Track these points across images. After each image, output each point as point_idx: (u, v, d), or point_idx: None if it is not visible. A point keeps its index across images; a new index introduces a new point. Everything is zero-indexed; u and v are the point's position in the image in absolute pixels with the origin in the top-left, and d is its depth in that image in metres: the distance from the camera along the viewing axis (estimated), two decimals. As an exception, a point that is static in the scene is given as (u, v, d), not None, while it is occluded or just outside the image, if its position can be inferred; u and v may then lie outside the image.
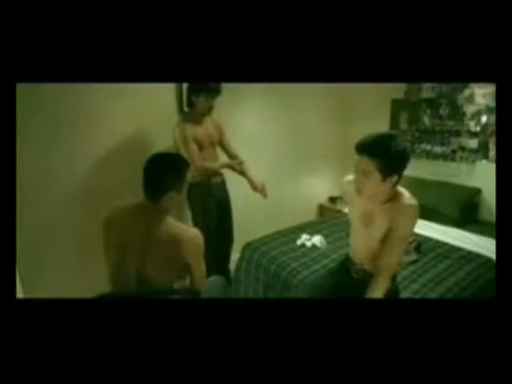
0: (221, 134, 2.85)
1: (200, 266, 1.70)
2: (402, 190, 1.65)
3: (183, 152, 2.54)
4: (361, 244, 1.79)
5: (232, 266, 3.02)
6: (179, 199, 1.65)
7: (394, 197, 1.62)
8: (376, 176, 1.52)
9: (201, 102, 2.59)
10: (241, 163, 2.81)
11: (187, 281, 1.88)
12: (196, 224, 2.80)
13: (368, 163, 1.52)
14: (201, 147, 2.65)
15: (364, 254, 1.78)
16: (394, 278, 1.76)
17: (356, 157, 1.58)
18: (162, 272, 1.60)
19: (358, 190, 1.63)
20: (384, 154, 1.50)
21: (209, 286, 1.88)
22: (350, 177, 1.76)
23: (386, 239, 1.64)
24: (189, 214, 2.84)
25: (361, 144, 1.55)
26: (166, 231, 1.58)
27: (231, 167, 2.83)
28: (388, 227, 1.63)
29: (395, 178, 1.55)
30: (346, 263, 1.91)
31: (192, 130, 2.59)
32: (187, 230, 1.64)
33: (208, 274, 1.90)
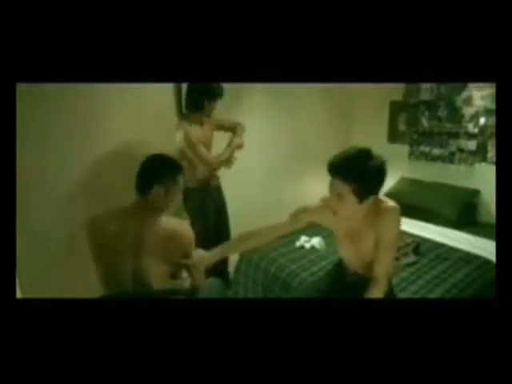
0: (214, 125, 2.77)
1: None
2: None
3: (191, 156, 2.52)
4: (351, 256, 1.76)
5: (231, 268, 3.02)
6: (168, 200, 1.66)
7: (373, 206, 1.54)
8: (352, 199, 1.44)
9: (208, 104, 2.58)
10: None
11: (186, 282, 1.89)
12: (194, 229, 2.76)
13: (342, 187, 1.42)
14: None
15: (355, 263, 1.75)
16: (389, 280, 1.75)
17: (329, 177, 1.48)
18: (158, 270, 1.63)
19: (334, 212, 1.53)
20: (359, 177, 1.40)
21: (206, 287, 1.88)
22: (315, 205, 1.68)
23: (375, 247, 1.60)
24: (186, 220, 2.82)
25: (332, 165, 1.44)
26: (161, 226, 1.62)
27: (237, 146, 2.75)
28: (375, 236, 1.57)
29: (372, 197, 1.48)
30: (341, 267, 1.90)
31: (195, 133, 2.56)
32: (181, 224, 1.75)
33: (206, 277, 1.92)
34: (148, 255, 1.58)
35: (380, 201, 1.57)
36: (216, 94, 2.57)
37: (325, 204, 1.59)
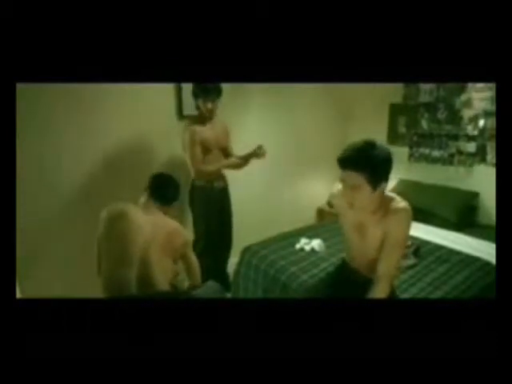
0: (228, 138, 2.88)
1: (194, 257, 1.95)
2: (391, 194, 1.62)
3: (187, 155, 2.60)
4: (356, 252, 1.77)
5: (230, 270, 3.01)
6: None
7: (385, 203, 1.59)
8: (366, 188, 1.49)
9: (206, 105, 2.59)
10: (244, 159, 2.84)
11: (186, 283, 1.90)
12: (196, 227, 2.81)
13: (356, 177, 1.48)
14: (208, 150, 2.66)
15: (360, 260, 1.76)
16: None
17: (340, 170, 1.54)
18: (162, 265, 1.71)
19: (349, 204, 1.58)
20: (370, 166, 1.46)
21: (204, 290, 1.90)
22: (337, 188, 1.72)
23: (382, 246, 1.61)
24: (189, 217, 2.85)
25: (344, 158, 1.50)
26: (168, 223, 1.82)
27: (231, 166, 2.85)
28: (382, 234, 1.59)
29: (384, 184, 1.52)
30: (343, 267, 1.90)
31: (200, 134, 2.60)
32: (181, 227, 1.95)
33: (206, 279, 1.95)
34: (155, 249, 1.64)
35: (392, 200, 1.59)
36: (213, 93, 2.58)
37: (341, 194, 1.63)
